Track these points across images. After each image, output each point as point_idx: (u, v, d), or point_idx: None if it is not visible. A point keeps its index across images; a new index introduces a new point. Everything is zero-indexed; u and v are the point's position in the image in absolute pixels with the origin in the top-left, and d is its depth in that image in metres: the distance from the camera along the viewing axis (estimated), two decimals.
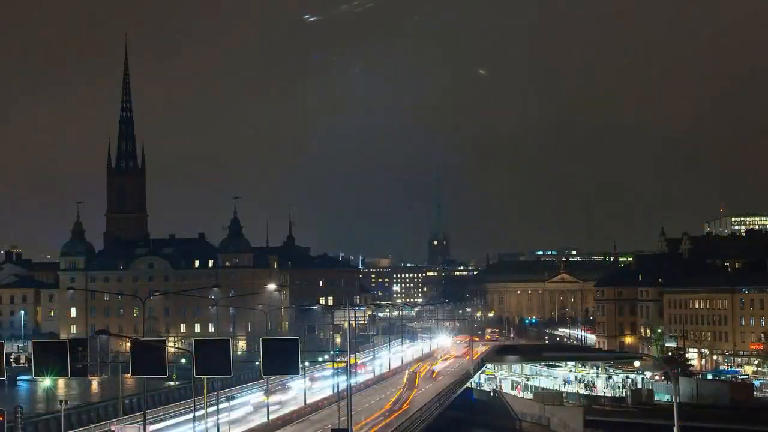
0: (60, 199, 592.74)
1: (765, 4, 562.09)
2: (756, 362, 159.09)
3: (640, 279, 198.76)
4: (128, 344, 59.31)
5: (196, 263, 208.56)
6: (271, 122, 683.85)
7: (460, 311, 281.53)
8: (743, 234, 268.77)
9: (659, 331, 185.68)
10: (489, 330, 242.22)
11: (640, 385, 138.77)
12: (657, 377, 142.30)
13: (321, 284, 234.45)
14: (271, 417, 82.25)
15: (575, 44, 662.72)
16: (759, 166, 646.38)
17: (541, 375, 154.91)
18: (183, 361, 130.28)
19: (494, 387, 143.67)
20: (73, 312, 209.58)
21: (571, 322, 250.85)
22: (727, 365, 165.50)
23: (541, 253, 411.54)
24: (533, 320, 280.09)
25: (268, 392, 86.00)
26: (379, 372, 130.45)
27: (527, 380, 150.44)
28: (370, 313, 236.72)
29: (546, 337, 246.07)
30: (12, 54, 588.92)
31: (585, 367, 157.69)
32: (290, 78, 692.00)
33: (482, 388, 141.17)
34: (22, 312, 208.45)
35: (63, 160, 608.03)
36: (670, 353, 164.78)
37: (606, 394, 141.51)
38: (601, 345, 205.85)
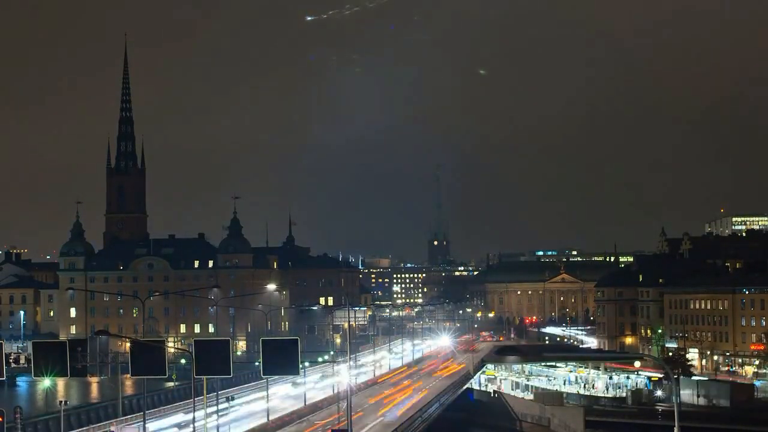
0: (60, 199, 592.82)
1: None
2: (756, 363, 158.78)
3: (640, 279, 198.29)
4: (128, 344, 59.08)
5: (196, 263, 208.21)
6: (271, 122, 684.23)
7: (461, 311, 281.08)
8: (744, 234, 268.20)
9: (660, 331, 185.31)
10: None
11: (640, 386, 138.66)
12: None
13: (321, 284, 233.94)
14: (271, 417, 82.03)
15: (574, 45, 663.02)
16: (759, 166, 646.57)
17: (542, 375, 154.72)
18: (183, 361, 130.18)
19: (495, 387, 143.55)
20: (73, 312, 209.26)
21: (571, 323, 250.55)
22: (729, 366, 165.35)
23: (541, 253, 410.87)
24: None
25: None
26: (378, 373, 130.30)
27: (527, 380, 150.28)
28: (370, 313, 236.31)
29: (546, 338, 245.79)
30: (11, 54, 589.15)
31: (585, 368, 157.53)
32: (290, 78, 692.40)
33: (482, 389, 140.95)
34: (22, 312, 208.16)
35: (63, 160, 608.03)
36: (670, 354, 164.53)
37: (606, 395, 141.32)
38: (602, 345, 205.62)
